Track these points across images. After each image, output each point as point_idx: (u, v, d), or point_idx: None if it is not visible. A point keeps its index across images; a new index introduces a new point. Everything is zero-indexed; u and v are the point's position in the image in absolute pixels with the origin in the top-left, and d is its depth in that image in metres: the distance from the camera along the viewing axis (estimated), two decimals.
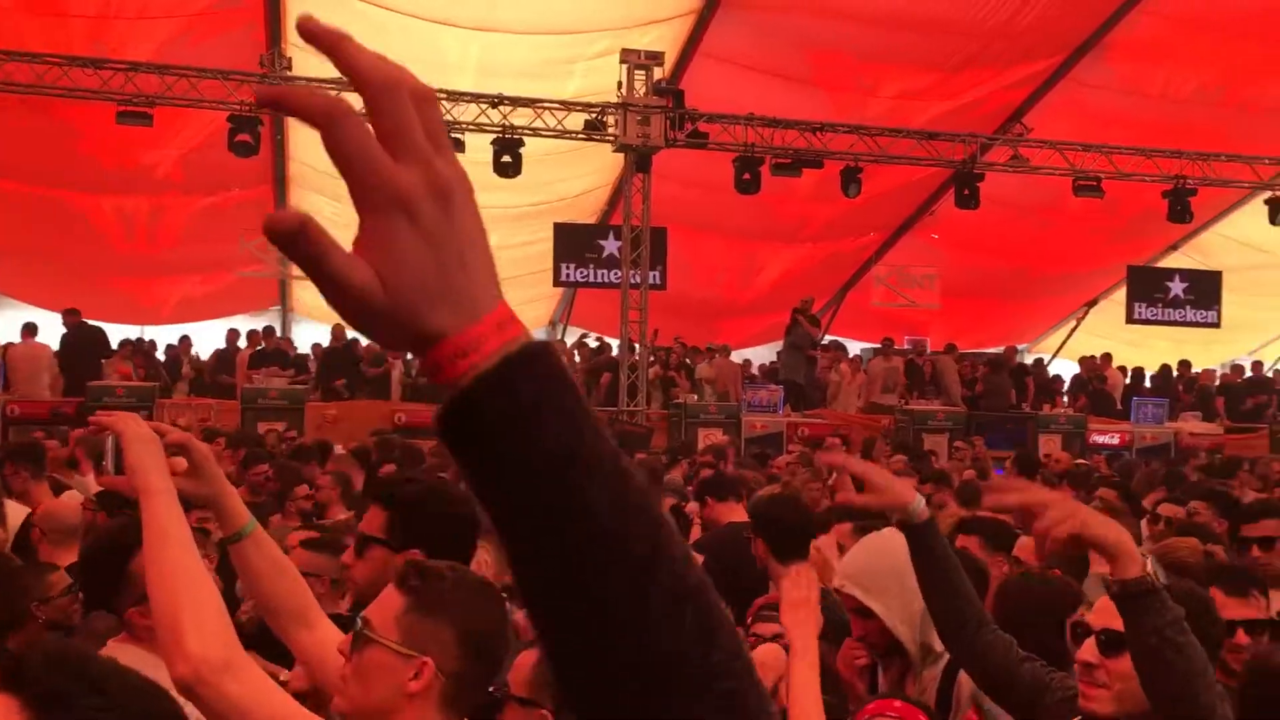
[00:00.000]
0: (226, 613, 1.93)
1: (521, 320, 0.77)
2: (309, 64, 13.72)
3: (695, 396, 15.73)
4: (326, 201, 16.54)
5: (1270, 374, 20.39)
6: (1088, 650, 2.22)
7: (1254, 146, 16.15)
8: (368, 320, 0.75)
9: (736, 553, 4.35)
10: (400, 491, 2.60)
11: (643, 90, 14.18)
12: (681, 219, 16.43)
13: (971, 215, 15.78)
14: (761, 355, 20.05)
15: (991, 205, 15.66)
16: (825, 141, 14.84)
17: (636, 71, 14.16)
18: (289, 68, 13.58)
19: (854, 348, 19.56)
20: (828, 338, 19.77)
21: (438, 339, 0.74)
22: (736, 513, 5.11)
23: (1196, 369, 19.41)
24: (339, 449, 8.50)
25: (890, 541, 2.98)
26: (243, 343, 16.28)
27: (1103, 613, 2.22)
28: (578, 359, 16.93)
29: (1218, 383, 18.93)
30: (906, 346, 19.29)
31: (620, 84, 14.13)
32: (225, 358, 16.22)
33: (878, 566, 2.89)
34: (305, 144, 15.65)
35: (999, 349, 18.93)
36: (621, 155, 14.67)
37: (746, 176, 14.54)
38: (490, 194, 15.48)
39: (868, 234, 19.33)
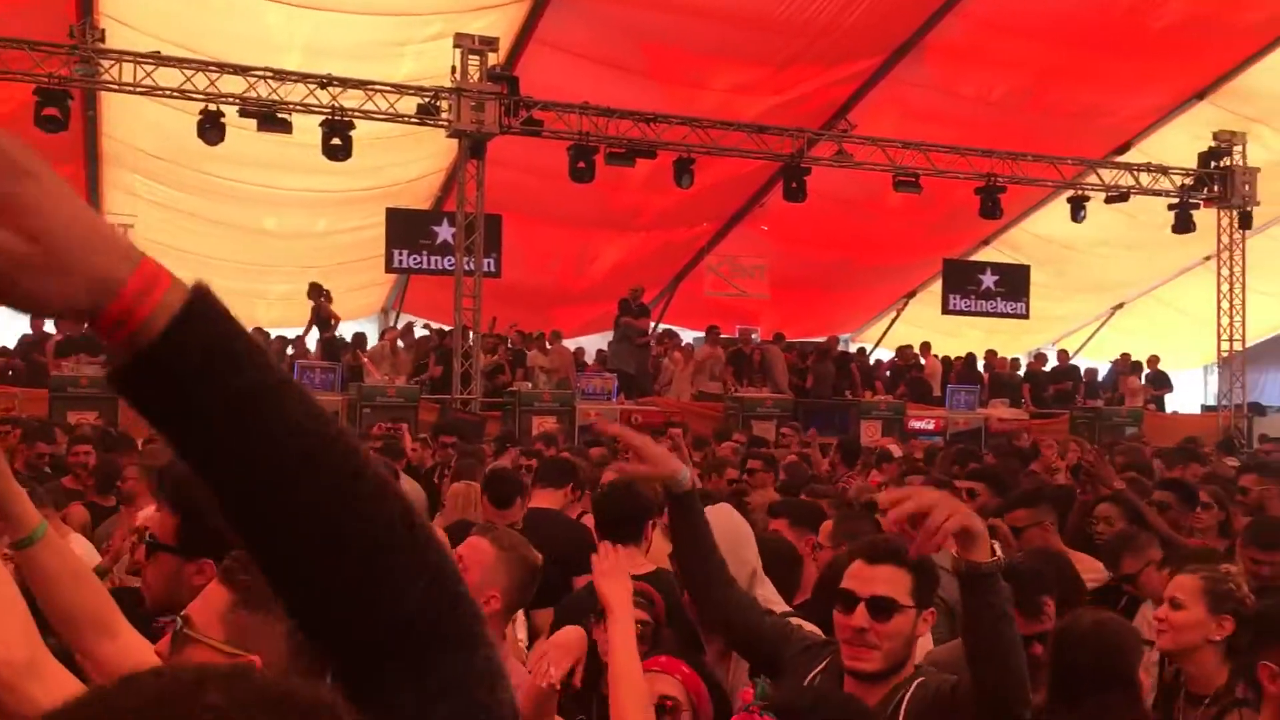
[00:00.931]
0: (28, 613, 1.80)
1: (168, 274, 0.80)
2: (121, 35, 13.09)
3: (529, 384, 15.72)
4: (141, 180, 15.86)
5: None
6: (859, 616, 2.41)
7: (1059, 148, 17.13)
8: (29, 281, 0.75)
9: (537, 536, 4.38)
10: (191, 493, 2.29)
11: (477, 76, 14.05)
12: (516, 206, 16.37)
13: (799, 208, 16.24)
14: (596, 343, 20.20)
15: (818, 198, 16.15)
16: (658, 132, 15.03)
17: (470, 56, 14.02)
18: (102, 39, 12.90)
19: (687, 336, 19.91)
20: (661, 326, 20.08)
21: (116, 286, 0.76)
22: (552, 499, 5.17)
23: (1010, 357, 20.52)
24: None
25: (721, 513, 3.15)
26: (50, 328, 15.41)
27: (869, 581, 2.43)
28: (401, 345, 16.68)
29: (1023, 371, 20.02)
30: (737, 335, 19.74)
31: (454, 69, 13.96)
32: (31, 344, 15.33)
33: (722, 531, 3.04)
34: (120, 120, 14.91)
35: (824, 338, 19.57)
36: (455, 141, 14.51)
37: (581, 165, 14.60)
38: (319, 177, 15.13)
39: (700, 224, 19.68)
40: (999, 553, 2.21)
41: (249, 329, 0.83)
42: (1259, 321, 20.06)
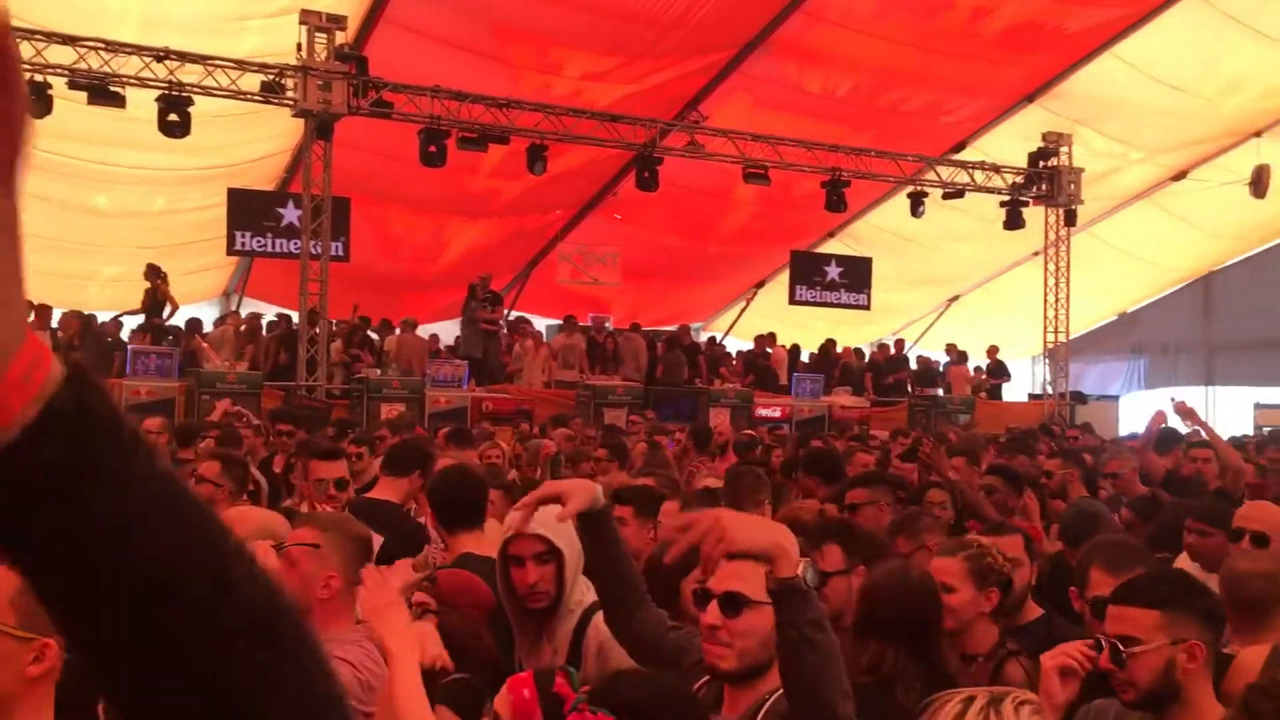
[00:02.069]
0: None
1: (49, 351, 0.68)
2: None
3: (378, 371, 15.47)
4: None
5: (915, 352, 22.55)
6: (711, 614, 2.36)
7: (900, 145, 17.77)
8: None
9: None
10: None
11: (324, 54, 13.70)
12: (365, 189, 16.06)
13: (652, 197, 16.39)
14: (451, 330, 19.99)
15: (670, 188, 16.34)
16: (511, 118, 14.95)
17: (317, 34, 13.65)
18: None
19: (541, 324, 19.91)
20: (514, 313, 20.01)
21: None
22: (394, 489, 5.06)
23: (855, 347, 21.18)
24: None
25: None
26: None
27: (725, 578, 2.34)
28: (243, 330, 16.22)
29: (866, 360, 20.70)
30: (590, 323, 19.84)
31: (300, 46, 13.58)
32: None
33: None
34: None
35: (675, 326, 19.84)
36: (301, 121, 14.13)
37: (432, 149, 14.40)
38: (156, 154, 14.51)
39: (553, 211, 19.67)
40: (803, 571, 2.08)
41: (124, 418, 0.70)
42: (1082, 315, 21.25)
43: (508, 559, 3.05)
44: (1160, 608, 2.50)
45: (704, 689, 2.49)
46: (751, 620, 2.32)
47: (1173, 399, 9.18)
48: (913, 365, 21.16)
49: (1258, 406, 20.79)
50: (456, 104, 14.57)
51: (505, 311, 18.98)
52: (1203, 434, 8.00)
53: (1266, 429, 18.12)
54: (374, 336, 17.19)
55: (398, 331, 17.02)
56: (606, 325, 19.47)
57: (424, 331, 17.84)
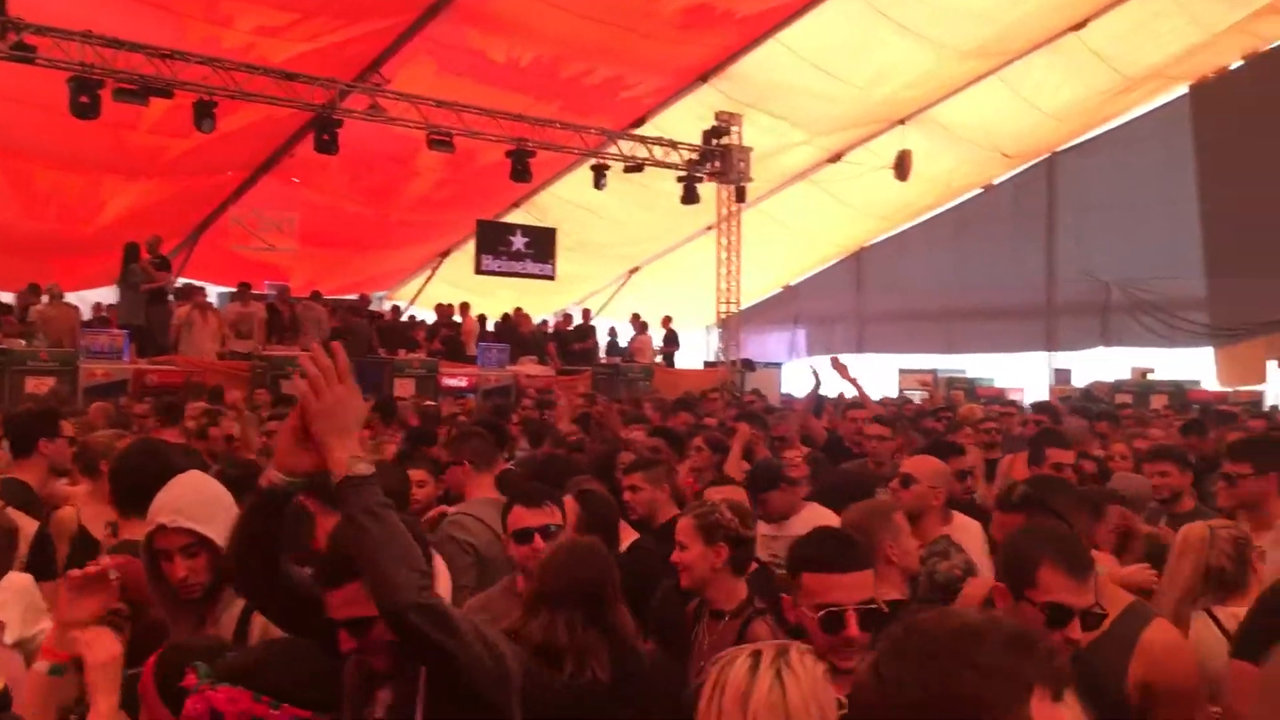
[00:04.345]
0: None
1: None
2: None
3: (24, 342, 14.04)
4: None
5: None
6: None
7: (583, 117, 18.09)
8: None
9: None
10: None
11: None
12: (5, 142, 14.50)
13: (332, 160, 15.83)
14: (107, 298, 18.44)
15: (351, 152, 15.84)
16: (175, 70, 13.94)
17: None
18: None
19: (213, 291, 18.74)
20: (181, 280, 18.73)
21: None
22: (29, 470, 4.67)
23: (541, 317, 21.44)
24: None
25: (196, 476, 3.02)
26: None
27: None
28: None
29: (551, 329, 21.04)
30: (268, 291, 18.96)
31: None
32: None
33: (203, 497, 2.92)
34: None
35: (358, 295, 19.32)
36: None
37: (84, 99, 13.18)
38: None
39: (224, 173, 18.54)
40: (349, 466, 2.22)
41: None
42: (751, 287, 22.58)
43: (155, 553, 2.85)
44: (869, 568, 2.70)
45: None
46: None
47: (832, 358, 10.00)
48: (599, 335, 21.71)
49: (901, 371, 22.95)
50: (112, 52, 13.40)
51: (174, 279, 17.73)
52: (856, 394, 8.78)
53: (910, 391, 20.07)
54: (10, 303, 15.59)
55: (44, 300, 15.54)
56: (287, 293, 18.66)
57: (77, 299, 16.39)
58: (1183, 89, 22.02)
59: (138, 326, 15.58)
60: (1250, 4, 18.96)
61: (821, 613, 2.53)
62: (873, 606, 2.59)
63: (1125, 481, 5.46)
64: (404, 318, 21.27)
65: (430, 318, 21.05)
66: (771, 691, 1.85)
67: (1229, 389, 20.03)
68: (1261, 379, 20.53)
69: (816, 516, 4.78)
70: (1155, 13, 18.57)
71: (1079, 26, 18.74)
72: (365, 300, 19.12)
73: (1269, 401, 18.55)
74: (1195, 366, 21.80)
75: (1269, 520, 4.24)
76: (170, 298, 16.84)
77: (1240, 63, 21.58)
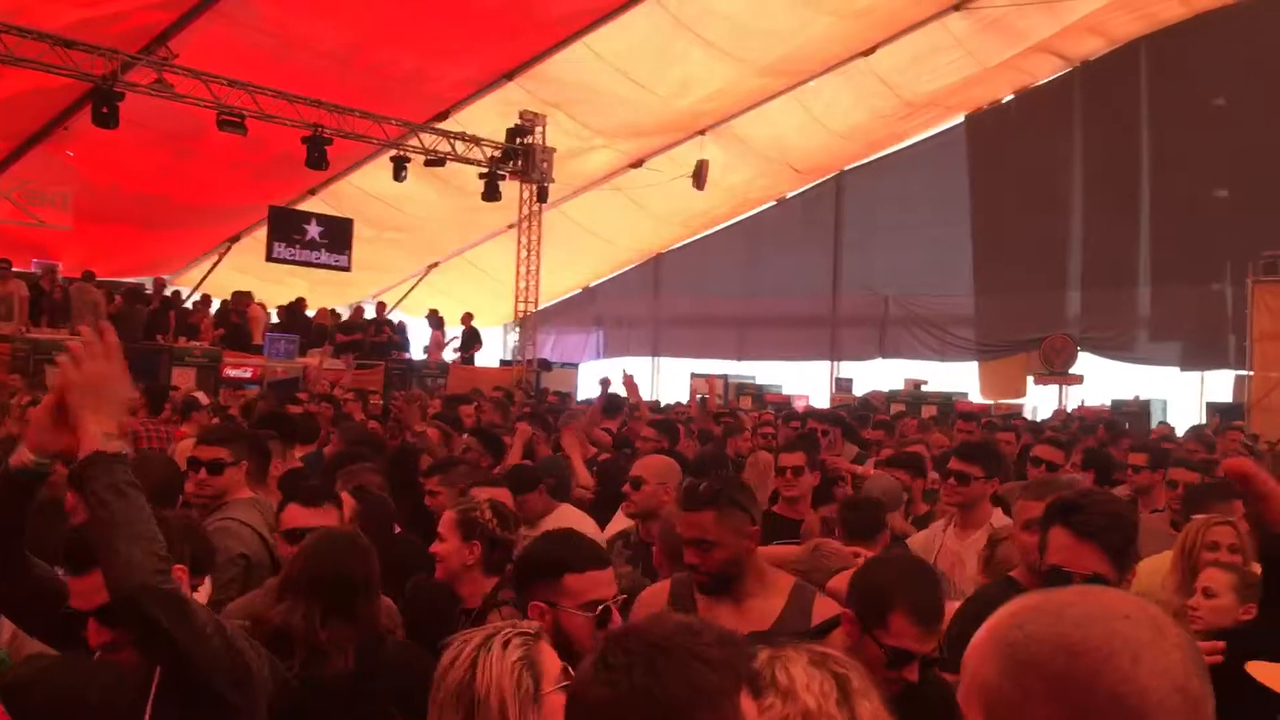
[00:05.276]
0: None
1: None
2: None
3: None
4: None
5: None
6: None
7: (384, 107, 17.75)
8: None
9: None
10: None
11: None
12: None
13: (111, 135, 15.00)
14: None
15: (133, 127, 15.06)
16: None
17: None
18: None
19: None
20: None
21: None
22: None
23: (331, 308, 20.91)
24: None
25: None
26: None
27: None
28: None
29: (344, 321, 20.57)
30: (35, 270, 17.86)
31: None
32: None
33: None
34: None
35: (140, 279, 18.40)
36: None
37: None
38: None
39: None
40: (103, 444, 2.18)
41: None
42: (550, 286, 22.72)
43: None
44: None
45: None
46: None
47: (624, 371, 10.28)
48: (394, 329, 21.37)
49: (693, 375, 23.56)
50: None
51: None
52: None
53: (700, 395, 20.58)
54: None
55: None
56: (57, 273, 17.58)
57: None
58: (959, 118, 23.50)
59: None
60: (1021, 42, 20.42)
61: (599, 610, 2.61)
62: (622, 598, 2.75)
63: (875, 482, 5.85)
64: (187, 304, 20.36)
65: (215, 305, 20.23)
66: (461, 676, 1.92)
67: (991, 401, 21.48)
68: (1021, 393, 22.17)
69: (566, 517, 4.90)
70: (935, 46, 19.75)
71: (869, 52, 19.71)
72: (157, 283, 18.22)
73: (1026, 413, 20.02)
74: (963, 379, 23.27)
75: (979, 520, 4.65)
76: None
77: (1011, 96, 23.23)
